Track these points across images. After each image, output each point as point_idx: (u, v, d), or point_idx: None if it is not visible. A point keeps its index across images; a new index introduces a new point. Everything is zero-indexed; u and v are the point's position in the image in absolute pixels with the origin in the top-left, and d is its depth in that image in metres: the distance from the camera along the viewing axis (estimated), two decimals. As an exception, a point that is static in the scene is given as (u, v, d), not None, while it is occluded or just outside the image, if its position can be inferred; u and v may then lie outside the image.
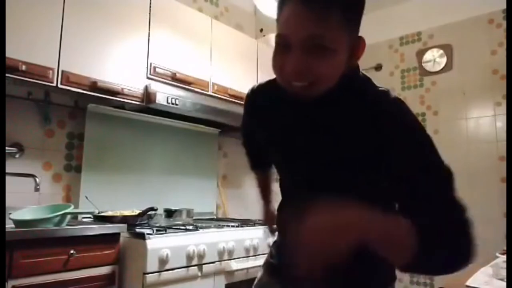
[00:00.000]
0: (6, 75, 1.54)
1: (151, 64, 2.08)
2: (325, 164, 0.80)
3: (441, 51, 3.40)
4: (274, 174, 1.09)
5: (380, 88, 0.80)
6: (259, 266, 2.14)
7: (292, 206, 0.92)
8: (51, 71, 1.68)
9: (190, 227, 1.89)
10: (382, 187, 0.75)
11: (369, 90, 0.80)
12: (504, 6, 3.04)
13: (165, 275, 1.63)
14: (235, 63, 2.59)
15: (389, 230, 0.62)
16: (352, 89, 0.78)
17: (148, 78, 2.06)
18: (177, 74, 2.19)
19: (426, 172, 0.72)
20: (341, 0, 0.65)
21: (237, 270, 1.92)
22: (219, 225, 2.07)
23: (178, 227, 1.91)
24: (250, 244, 2.02)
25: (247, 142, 1.19)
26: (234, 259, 1.93)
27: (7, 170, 1.76)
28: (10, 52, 1.55)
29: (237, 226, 2.07)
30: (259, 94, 0.96)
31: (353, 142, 0.76)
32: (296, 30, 0.66)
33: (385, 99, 0.77)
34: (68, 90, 1.75)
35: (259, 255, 2.06)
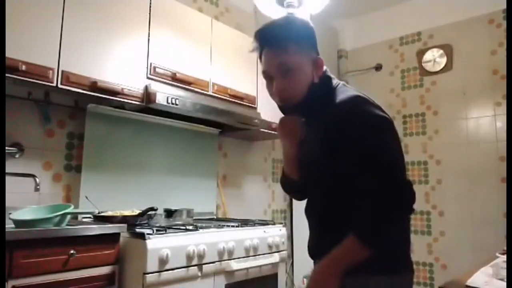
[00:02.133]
0: (6, 75, 1.54)
1: (151, 64, 2.08)
2: (312, 166, 1.06)
3: (441, 51, 3.40)
4: None
5: (348, 94, 0.98)
6: (259, 266, 2.16)
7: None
8: (51, 71, 1.68)
9: (190, 227, 1.89)
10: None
11: (336, 97, 0.99)
12: (504, 6, 3.04)
13: (165, 275, 1.63)
14: (235, 63, 2.59)
15: (342, 263, 0.91)
16: (323, 98, 1.01)
17: (148, 78, 2.06)
18: (177, 74, 2.19)
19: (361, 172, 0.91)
20: (291, 38, 0.99)
21: (237, 270, 1.92)
22: (219, 225, 2.07)
23: (178, 227, 1.90)
24: (250, 244, 2.02)
25: None
26: (234, 259, 1.93)
27: (7, 170, 1.75)
28: (10, 52, 1.55)
29: (237, 226, 2.07)
30: None
31: (321, 144, 0.99)
32: (270, 64, 1.01)
33: (343, 105, 0.96)
34: (68, 90, 1.75)
35: (259, 255, 2.07)
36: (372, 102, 0.98)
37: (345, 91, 1.00)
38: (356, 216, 0.90)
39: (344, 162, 0.92)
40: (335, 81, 1.06)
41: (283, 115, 1.10)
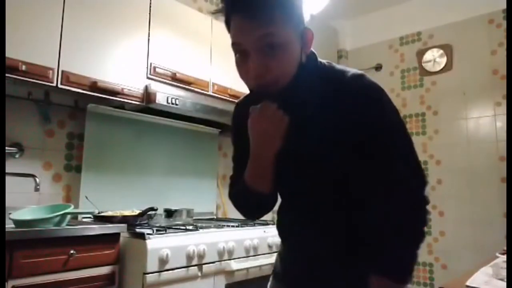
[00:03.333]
0: (6, 75, 1.54)
1: (151, 64, 2.08)
2: (305, 158, 0.85)
3: (441, 51, 3.40)
4: None
5: (352, 72, 0.81)
6: (259, 266, 2.16)
7: (293, 209, 0.95)
8: (51, 71, 1.68)
9: (190, 227, 1.89)
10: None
11: (329, 74, 0.83)
12: (504, 6, 3.04)
13: (165, 275, 1.62)
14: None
15: None
16: (312, 78, 0.81)
17: (148, 78, 2.06)
18: (177, 74, 2.19)
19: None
20: (278, 3, 0.74)
21: (237, 270, 1.92)
22: (219, 225, 2.07)
23: (178, 227, 1.90)
24: (250, 244, 2.02)
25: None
26: (234, 259, 1.93)
27: (7, 170, 1.76)
28: (10, 52, 1.55)
29: (237, 226, 2.07)
30: (242, 107, 0.99)
31: (321, 127, 0.81)
32: (248, 34, 0.74)
33: (344, 80, 0.80)
34: (68, 90, 1.75)
35: (259, 255, 2.07)
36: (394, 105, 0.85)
37: (341, 69, 0.84)
38: (378, 249, 0.78)
39: (370, 152, 0.77)
40: (319, 60, 0.87)
41: (255, 103, 0.84)
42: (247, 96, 1.04)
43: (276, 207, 1.00)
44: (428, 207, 0.83)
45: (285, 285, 0.95)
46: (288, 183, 0.91)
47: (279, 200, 0.98)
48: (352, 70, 0.83)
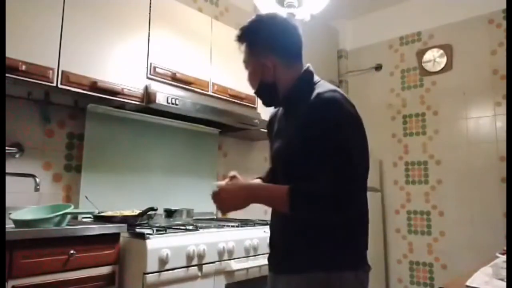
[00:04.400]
0: (6, 75, 1.54)
1: (151, 64, 2.08)
2: (282, 156, 1.12)
3: (441, 51, 3.40)
4: None
5: (326, 87, 1.05)
6: (259, 266, 2.16)
7: None
8: (51, 71, 1.68)
9: (190, 227, 1.89)
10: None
11: (315, 90, 1.06)
12: (504, 6, 3.04)
13: (165, 275, 1.63)
14: (235, 63, 2.56)
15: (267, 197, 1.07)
16: (304, 93, 1.08)
17: (148, 78, 2.06)
18: (177, 74, 2.19)
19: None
20: (246, 45, 1.19)
21: (237, 270, 1.92)
22: (219, 225, 2.07)
23: (178, 227, 1.91)
24: (250, 244, 2.02)
25: None
26: (234, 259, 1.93)
27: (7, 170, 1.75)
28: (10, 52, 1.55)
29: (237, 226, 2.07)
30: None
31: (291, 134, 1.08)
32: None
33: (312, 100, 1.04)
34: (68, 90, 1.75)
35: (259, 255, 2.06)
36: (348, 99, 1.05)
37: (324, 85, 1.08)
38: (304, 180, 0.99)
39: (314, 150, 0.98)
40: (316, 78, 1.15)
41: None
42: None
43: None
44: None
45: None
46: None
47: None
48: (325, 90, 1.04)
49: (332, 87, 1.06)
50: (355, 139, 1.00)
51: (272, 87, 1.14)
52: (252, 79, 1.18)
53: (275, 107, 1.28)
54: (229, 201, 1.08)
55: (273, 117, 1.28)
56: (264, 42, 1.13)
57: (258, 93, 1.19)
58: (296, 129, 1.05)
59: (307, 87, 1.09)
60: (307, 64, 1.16)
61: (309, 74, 1.15)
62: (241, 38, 1.19)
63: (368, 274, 1.05)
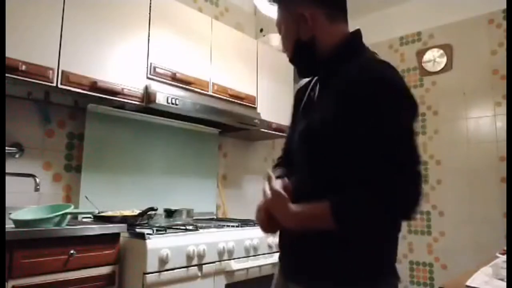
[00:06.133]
0: (6, 75, 1.54)
1: (151, 64, 2.08)
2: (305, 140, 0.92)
3: (441, 51, 3.40)
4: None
5: (366, 61, 0.88)
6: (259, 266, 2.16)
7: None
8: (51, 71, 1.68)
9: (190, 227, 1.89)
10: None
11: (360, 61, 0.88)
12: (504, 6, 3.04)
13: (165, 275, 1.63)
14: (235, 63, 2.59)
15: (306, 222, 0.82)
16: (342, 58, 0.91)
17: (148, 78, 2.06)
18: (177, 74, 2.19)
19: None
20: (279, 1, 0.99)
21: (237, 270, 1.92)
22: (219, 225, 2.07)
23: (178, 227, 1.90)
24: (250, 244, 2.02)
25: None
26: (234, 259, 1.93)
27: (7, 170, 1.75)
28: (10, 52, 1.55)
29: (237, 226, 2.07)
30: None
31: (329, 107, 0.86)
32: None
33: (362, 70, 0.84)
34: (68, 90, 1.75)
35: (259, 255, 2.07)
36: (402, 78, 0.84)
37: (374, 57, 0.90)
38: (346, 185, 0.79)
39: (362, 134, 0.79)
40: (365, 45, 0.94)
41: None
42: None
43: None
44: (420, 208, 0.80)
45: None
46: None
47: None
48: (378, 62, 0.86)
49: (387, 62, 0.86)
50: (410, 124, 0.80)
51: (311, 46, 0.92)
52: (285, 41, 0.97)
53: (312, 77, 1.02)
54: (272, 222, 0.90)
55: (302, 89, 1.04)
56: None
57: (293, 58, 0.97)
58: (336, 104, 0.83)
59: (353, 52, 0.89)
60: (357, 27, 0.95)
61: (357, 37, 0.94)
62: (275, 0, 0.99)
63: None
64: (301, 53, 0.95)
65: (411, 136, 0.80)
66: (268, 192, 0.88)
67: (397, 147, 0.77)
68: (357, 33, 0.95)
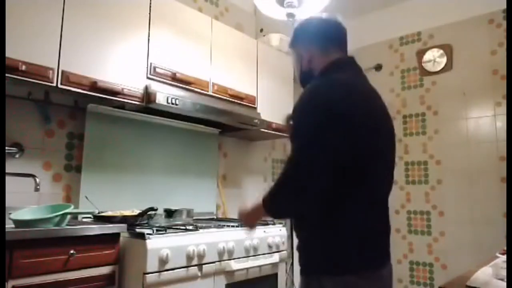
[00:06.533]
0: (6, 75, 1.54)
1: (151, 64, 2.08)
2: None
3: (441, 51, 3.40)
4: None
5: (313, 83, 1.14)
6: (259, 266, 2.16)
7: None
8: (51, 71, 1.68)
9: (190, 227, 1.89)
10: None
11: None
12: (504, 6, 3.04)
13: (165, 275, 1.63)
14: (235, 63, 2.59)
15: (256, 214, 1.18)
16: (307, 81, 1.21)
17: (148, 78, 2.06)
18: (177, 74, 2.19)
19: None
20: (290, 47, 1.36)
21: (237, 270, 1.92)
22: (219, 225, 2.07)
23: (178, 227, 1.91)
24: (250, 244, 2.02)
25: None
26: (234, 259, 1.93)
27: (7, 170, 1.76)
28: (10, 52, 1.55)
29: (237, 226, 2.07)
30: None
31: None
32: None
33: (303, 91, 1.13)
34: (68, 90, 1.75)
35: (259, 255, 2.07)
36: (335, 92, 1.07)
37: (327, 76, 1.16)
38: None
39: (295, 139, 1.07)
40: (333, 68, 1.19)
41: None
42: None
43: None
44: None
45: None
46: None
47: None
48: (315, 81, 1.14)
49: (333, 78, 1.12)
50: (312, 127, 1.01)
51: (309, 73, 1.24)
52: (296, 70, 1.36)
53: None
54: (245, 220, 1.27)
55: None
56: (301, 36, 1.30)
57: (300, 81, 1.31)
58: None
59: (324, 74, 1.19)
60: (348, 55, 1.26)
61: (334, 63, 1.20)
62: (289, 46, 1.37)
63: (363, 278, 1.02)
64: (304, 78, 1.28)
65: (310, 138, 1.00)
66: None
67: (297, 146, 1.03)
68: (340, 59, 1.22)
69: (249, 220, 1.26)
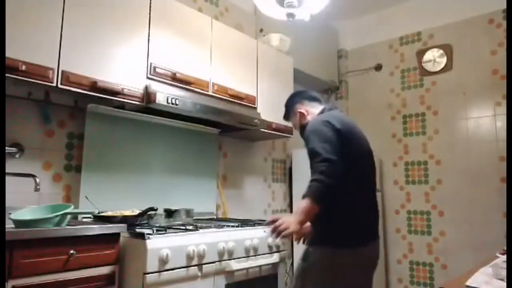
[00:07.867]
0: (6, 75, 1.54)
1: (151, 64, 2.08)
2: None
3: (441, 51, 3.40)
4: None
5: (317, 117, 1.69)
6: (259, 266, 2.16)
7: None
8: (51, 71, 1.68)
9: (190, 227, 1.89)
10: None
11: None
12: (504, 6, 3.04)
13: (165, 275, 1.63)
14: (235, 63, 2.59)
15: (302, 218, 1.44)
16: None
17: (148, 78, 2.06)
18: (177, 74, 2.19)
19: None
20: (287, 113, 1.88)
21: (237, 270, 1.92)
22: (219, 225, 2.07)
23: (178, 227, 1.91)
24: (250, 244, 2.02)
25: None
26: (234, 259, 1.93)
27: (7, 170, 1.75)
28: (10, 52, 1.55)
29: (237, 226, 2.07)
30: None
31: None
32: None
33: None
34: (68, 90, 1.75)
35: (259, 255, 2.07)
36: (326, 120, 1.55)
37: (316, 118, 1.65)
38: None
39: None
40: (318, 113, 1.73)
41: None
42: None
43: None
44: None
45: None
46: None
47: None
48: (311, 122, 1.66)
49: (322, 118, 1.60)
50: (316, 140, 1.50)
51: (305, 123, 1.72)
52: (295, 126, 1.85)
53: None
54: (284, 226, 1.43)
55: None
56: (294, 101, 1.83)
57: (300, 132, 1.77)
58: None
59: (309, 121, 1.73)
60: (327, 107, 1.75)
61: (324, 109, 1.73)
62: (285, 117, 1.90)
63: (348, 250, 1.48)
64: (302, 128, 1.73)
65: (320, 148, 1.45)
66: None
67: (313, 154, 1.47)
68: (326, 107, 1.75)
69: (294, 225, 1.41)
